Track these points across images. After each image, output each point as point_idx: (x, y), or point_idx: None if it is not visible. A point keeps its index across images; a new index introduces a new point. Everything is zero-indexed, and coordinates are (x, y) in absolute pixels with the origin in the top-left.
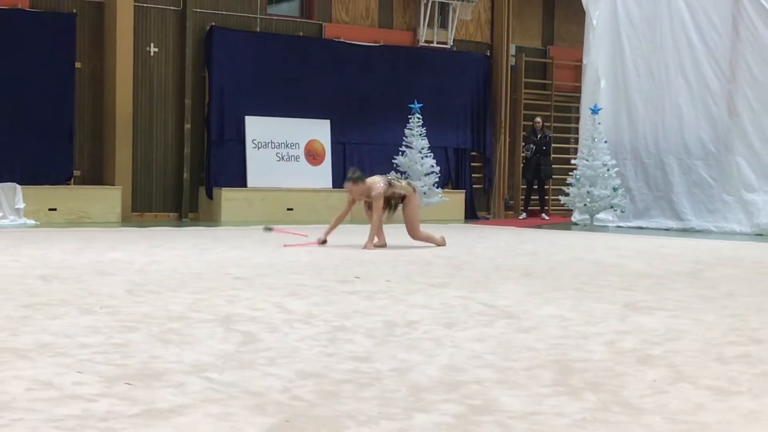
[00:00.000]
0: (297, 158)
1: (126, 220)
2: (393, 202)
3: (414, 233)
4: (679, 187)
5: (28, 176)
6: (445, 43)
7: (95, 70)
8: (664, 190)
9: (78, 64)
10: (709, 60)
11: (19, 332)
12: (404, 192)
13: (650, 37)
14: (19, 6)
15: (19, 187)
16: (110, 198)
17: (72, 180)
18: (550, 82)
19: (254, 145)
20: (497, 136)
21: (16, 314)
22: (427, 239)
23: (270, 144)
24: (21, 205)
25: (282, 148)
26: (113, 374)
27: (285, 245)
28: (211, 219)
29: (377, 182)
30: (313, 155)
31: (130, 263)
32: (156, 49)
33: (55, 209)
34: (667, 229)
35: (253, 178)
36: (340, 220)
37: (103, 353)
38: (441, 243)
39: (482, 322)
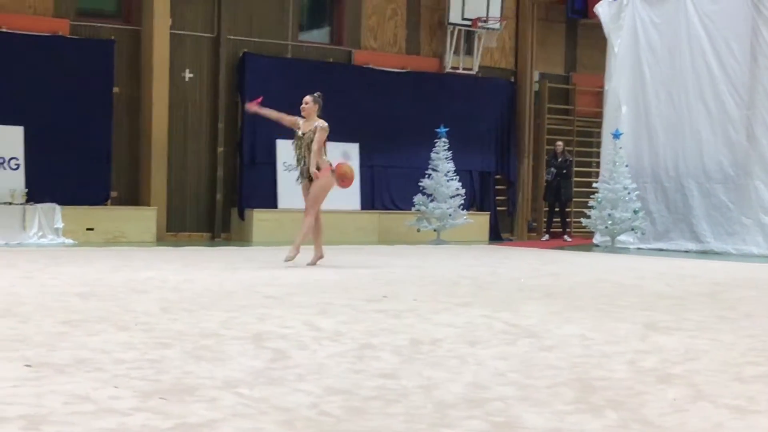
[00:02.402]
0: None
1: (161, 240)
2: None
3: (309, 210)
4: (698, 210)
5: (66, 197)
6: (471, 70)
7: (132, 95)
8: (683, 213)
9: (116, 89)
10: (728, 86)
11: (58, 348)
12: (322, 164)
13: (670, 64)
14: (60, 33)
15: (58, 207)
16: (146, 218)
17: (109, 201)
18: (572, 107)
19: (285, 168)
20: (521, 160)
21: (54, 330)
22: (309, 231)
23: None
24: (60, 224)
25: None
26: (148, 389)
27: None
28: (242, 239)
29: (324, 123)
30: (341, 178)
31: (164, 282)
32: (191, 75)
33: (92, 229)
34: (686, 251)
35: (283, 200)
36: (277, 115)
37: (139, 369)
38: (318, 255)
39: (505, 340)
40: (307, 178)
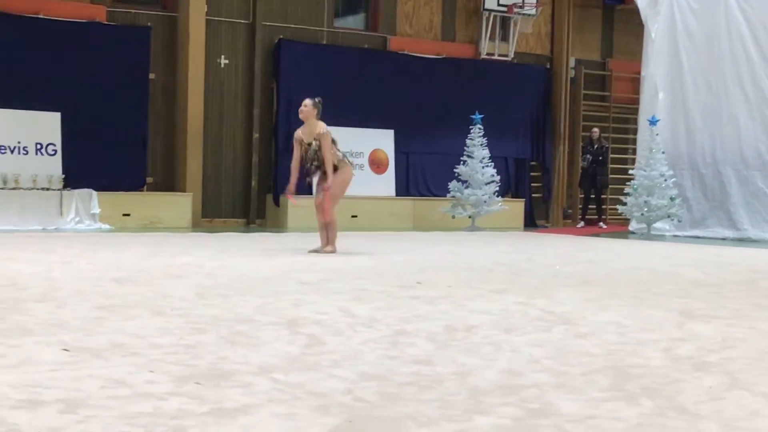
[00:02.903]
0: (361, 167)
1: (196, 226)
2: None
3: (329, 207)
4: (736, 198)
5: (103, 183)
6: (506, 56)
7: (168, 81)
8: (720, 200)
9: (152, 75)
10: (767, 72)
11: (94, 332)
12: (337, 163)
13: (708, 50)
14: (97, 20)
15: (94, 193)
16: (181, 204)
17: (145, 187)
18: (608, 94)
19: None
20: (556, 147)
21: (91, 315)
22: (331, 225)
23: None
24: (96, 210)
25: (347, 156)
26: (183, 374)
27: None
28: (277, 225)
29: (324, 127)
30: (377, 164)
31: (199, 267)
32: (226, 61)
33: (128, 215)
34: (723, 239)
35: (318, 186)
36: (296, 168)
37: (174, 354)
38: (331, 248)
39: (540, 327)
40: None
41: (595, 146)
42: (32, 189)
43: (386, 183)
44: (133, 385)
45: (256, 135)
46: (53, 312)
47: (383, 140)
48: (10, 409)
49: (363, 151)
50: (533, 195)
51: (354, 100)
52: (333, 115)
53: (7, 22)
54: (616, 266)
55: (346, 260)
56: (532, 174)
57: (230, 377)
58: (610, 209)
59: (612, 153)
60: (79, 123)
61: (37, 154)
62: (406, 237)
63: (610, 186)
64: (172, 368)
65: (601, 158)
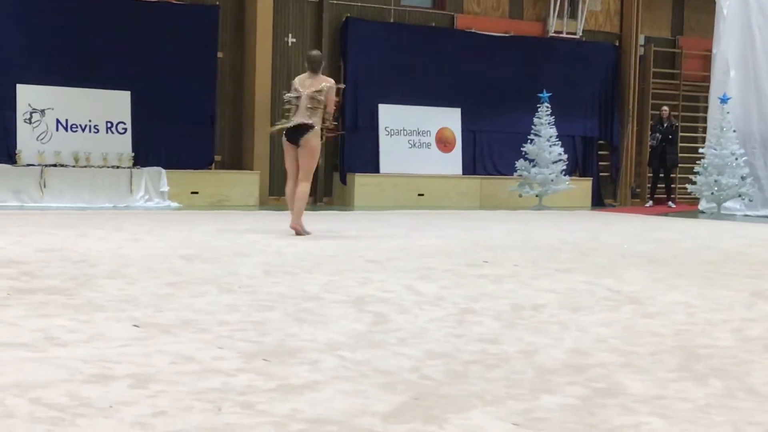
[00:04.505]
0: (428, 145)
1: (263, 204)
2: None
3: (307, 176)
4: None
5: (172, 161)
6: (575, 34)
7: (236, 60)
8: None
9: (220, 54)
10: None
11: (164, 309)
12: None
13: None
14: None
15: (163, 171)
16: (249, 182)
17: (213, 165)
18: (678, 71)
19: (387, 133)
20: (624, 125)
21: (160, 292)
22: (303, 199)
23: (402, 131)
24: (165, 188)
25: (414, 135)
26: (251, 350)
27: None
28: (344, 203)
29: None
30: (443, 142)
31: (267, 245)
32: (294, 40)
33: (197, 192)
34: None
35: (385, 165)
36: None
37: (242, 330)
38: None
39: (607, 307)
40: (294, 142)
41: (665, 125)
42: (103, 167)
43: (453, 161)
44: (202, 361)
45: None
46: (123, 288)
47: (450, 119)
48: (82, 384)
49: (430, 130)
50: (601, 174)
51: (421, 78)
52: (400, 94)
53: (77, 2)
54: (685, 246)
55: (412, 239)
56: (599, 153)
57: (297, 354)
58: (680, 188)
59: (682, 131)
60: (149, 102)
61: (107, 132)
62: (472, 215)
63: (679, 165)
64: (240, 345)
65: (670, 137)
